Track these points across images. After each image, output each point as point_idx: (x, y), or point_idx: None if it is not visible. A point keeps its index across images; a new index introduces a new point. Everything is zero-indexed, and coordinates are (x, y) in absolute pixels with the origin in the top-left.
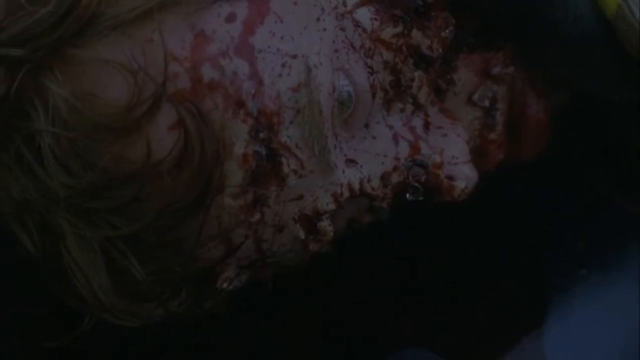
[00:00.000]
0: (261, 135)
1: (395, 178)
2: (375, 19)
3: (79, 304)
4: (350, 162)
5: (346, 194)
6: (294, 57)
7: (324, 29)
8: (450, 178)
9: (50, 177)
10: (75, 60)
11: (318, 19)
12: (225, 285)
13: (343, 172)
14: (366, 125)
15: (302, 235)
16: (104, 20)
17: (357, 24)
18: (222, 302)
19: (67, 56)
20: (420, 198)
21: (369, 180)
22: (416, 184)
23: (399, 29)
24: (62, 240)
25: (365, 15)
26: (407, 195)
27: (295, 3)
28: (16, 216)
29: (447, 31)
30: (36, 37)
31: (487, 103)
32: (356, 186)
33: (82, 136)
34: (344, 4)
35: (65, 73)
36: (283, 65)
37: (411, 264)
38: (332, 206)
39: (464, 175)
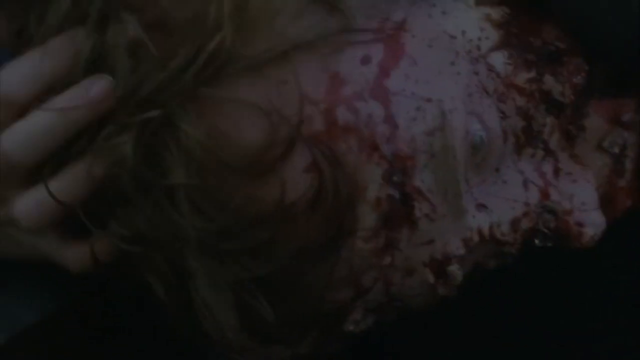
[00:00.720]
0: (395, 178)
1: (525, 224)
2: (509, 64)
3: (207, 343)
4: (481, 206)
5: (476, 238)
6: (429, 100)
7: (458, 73)
8: (580, 225)
9: (182, 218)
10: (209, 101)
11: (452, 63)
12: (352, 328)
13: (473, 216)
14: (497, 170)
15: (431, 279)
16: (238, 61)
17: (490, 68)
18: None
19: (200, 96)
20: (549, 244)
21: (498, 226)
22: (545, 230)
23: (532, 74)
24: (191, 280)
25: (499, 59)
26: (536, 242)
27: (430, 46)
28: (145, 255)
29: (579, 77)
30: (170, 88)
31: (616, 150)
32: (486, 231)
33: (215, 177)
34: (478, 48)
35: (198, 113)
36: (417, 109)
37: (536, 309)
38: (461, 251)
39: (593, 222)
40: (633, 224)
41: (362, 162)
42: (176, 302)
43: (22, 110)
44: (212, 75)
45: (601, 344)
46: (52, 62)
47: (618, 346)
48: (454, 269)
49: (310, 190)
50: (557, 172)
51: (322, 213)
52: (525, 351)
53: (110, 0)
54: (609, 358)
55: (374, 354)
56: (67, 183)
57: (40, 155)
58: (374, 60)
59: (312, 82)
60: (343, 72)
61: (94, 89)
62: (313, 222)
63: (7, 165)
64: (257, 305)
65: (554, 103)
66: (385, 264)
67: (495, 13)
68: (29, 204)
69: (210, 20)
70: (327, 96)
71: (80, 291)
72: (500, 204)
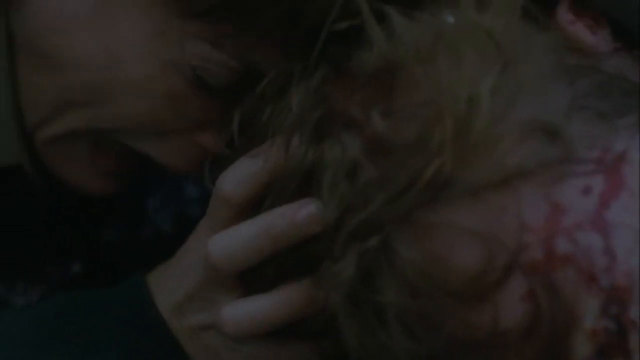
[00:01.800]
0: (611, 310)
1: None
2: None
3: None
4: None
5: None
6: None
7: None
8: None
9: (391, 339)
10: (425, 224)
11: None
12: None
13: None
14: None
15: None
16: (457, 186)
17: None
18: None
19: (416, 219)
20: None
21: None
22: None
23: None
24: None
25: None
26: None
27: None
28: None
29: None
30: (389, 211)
31: None
32: None
33: (428, 302)
34: None
35: (414, 236)
36: (636, 241)
37: None
38: None
39: None
40: None
41: (579, 293)
42: None
43: (240, 211)
44: (429, 198)
45: None
46: (269, 166)
47: None
48: None
49: (526, 319)
50: None
51: (536, 342)
52: None
53: (332, 114)
54: None
55: None
56: (282, 303)
57: (244, 266)
58: (595, 190)
59: (532, 210)
60: (564, 201)
61: (302, 212)
62: (526, 351)
63: (213, 268)
64: None
65: None
66: None
67: None
68: (238, 313)
69: (433, 144)
70: (547, 225)
71: None
72: None
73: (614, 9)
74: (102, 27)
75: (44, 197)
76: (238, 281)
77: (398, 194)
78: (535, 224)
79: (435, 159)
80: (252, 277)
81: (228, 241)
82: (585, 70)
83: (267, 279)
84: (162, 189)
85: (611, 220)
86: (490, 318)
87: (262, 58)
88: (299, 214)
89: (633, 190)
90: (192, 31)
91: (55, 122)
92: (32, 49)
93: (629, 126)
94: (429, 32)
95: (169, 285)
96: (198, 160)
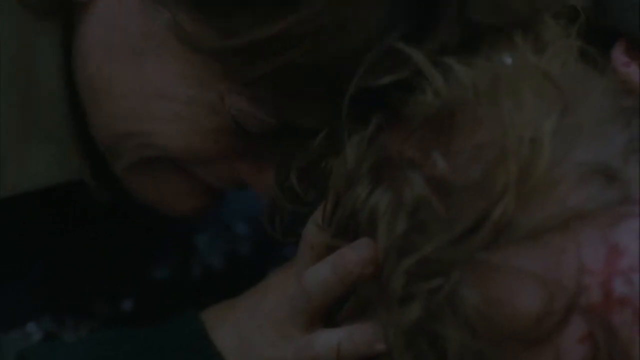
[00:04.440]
0: None
1: None
2: None
3: None
4: None
5: None
6: None
7: None
8: None
9: None
10: (486, 266)
11: None
12: None
13: None
14: None
15: None
16: (518, 229)
17: None
18: None
19: (478, 261)
20: None
21: None
22: None
23: None
24: None
25: None
26: None
27: None
28: None
29: None
30: (454, 252)
31: None
32: None
33: (489, 344)
34: None
35: (475, 278)
36: None
37: None
38: None
39: None
40: None
41: (636, 335)
42: None
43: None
44: (492, 241)
45: None
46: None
47: None
48: None
49: None
50: None
51: None
52: None
53: (389, 159)
54: None
55: None
56: (350, 343)
57: (320, 303)
58: None
59: (590, 252)
60: (621, 243)
61: (352, 253)
62: None
63: (307, 300)
64: None
65: None
66: None
67: None
68: (333, 343)
69: (498, 186)
70: (605, 267)
71: None
72: None
73: None
74: (148, 61)
75: (96, 229)
76: (319, 319)
77: (463, 235)
78: (594, 266)
79: (500, 202)
80: (330, 315)
81: (321, 274)
82: None
83: (343, 317)
84: (211, 226)
85: None
86: None
87: (302, 118)
88: (348, 255)
89: None
90: (233, 87)
91: (124, 150)
92: (83, 74)
93: None
94: (486, 74)
95: (232, 321)
96: (238, 183)
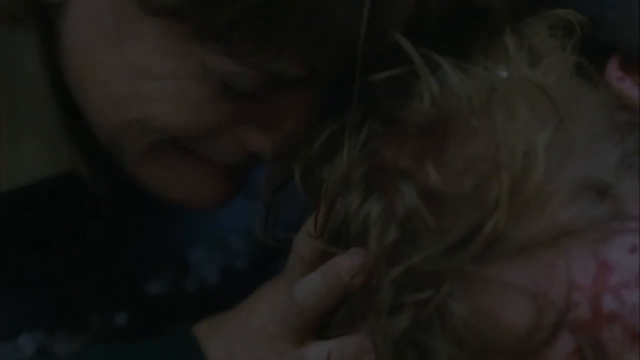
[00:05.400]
0: None
1: None
2: None
3: None
4: None
5: None
6: None
7: None
8: None
9: None
10: (476, 279)
11: None
12: None
13: None
14: None
15: None
16: (509, 242)
17: None
18: None
19: (468, 274)
20: None
21: None
22: None
23: None
24: None
25: None
26: None
27: None
28: None
29: None
30: (444, 264)
31: None
32: None
33: (477, 357)
34: None
35: (465, 290)
36: None
37: None
38: None
39: None
40: None
41: (625, 352)
42: None
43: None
44: (482, 253)
45: None
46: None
47: None
48: None
49: None
50: None
51: None
52: None
53: (382, 167)
54: None
55: None
56: (340, 355)
57: (311, 315)
58: None
59: (580, 268)
60: (611, 259)
61: (344, 261)
62: None
63: (299, 312)
64: None
65: None
66: None
67: None
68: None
69: (490, 199)
70: (595, 283)
71: None
72: None
73: None
74: (125, 44)
75: (92, 243)
76: (311, 332)
77: (453, 247)
78: (583, 282)
79: (492, 215)
80: (320, 328)
81: (312, 285)
82: (634, 127)
83: (334, 328)
84: (206, 240)
85: None
86: None
87: (285, 67)
88: (340, 262)
89: None
90: (210, 48)
91: (126, 141)
92: (70, 73)
93: None
94: (482, 85)
95: (224, 336)
96: (250, 155)
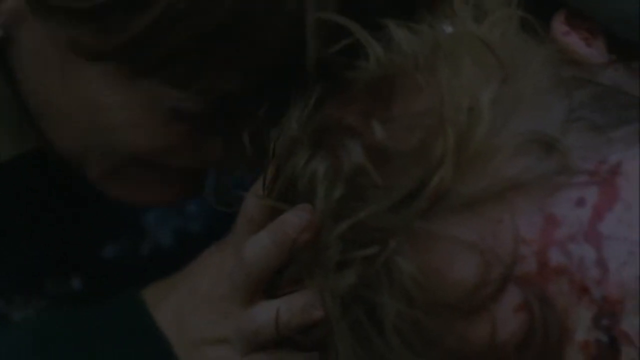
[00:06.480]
0: (603, 322)
1: None
2: None
3: None
4: None
5: None
6: None
7: None
8: None
9: (390, 352)
10: (423, 235)
11: None
12: None
13: None
14: None
15: None
16: (455, 197)
17: None
18: None
19: (415, 230)
20: None
21: None
22: None
23: None
24: None
25: None
26: None
27: None
28: None
29: None
30: (391, 220)
31: None
32: None
33: (426, 314)
34: None
35: (412, 246)
36: (629, 253)
37: None
38: None
39: None
40: None
41: (572, 305)
42: None
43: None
44: (428, 209)
45: None
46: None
47: None
48: None
49: (521, 330)
50: None
51: (530, 354)
52: None
53: (330, 125)
54: None
55: None
56: (288, 312)
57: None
58: (589, 203)
59: (526, 222)
60: (558, 213)
61: (292, 217)
62: None
63: (247, 272)
64: None
65: None
66: None
67: None
68: (262, 319)
69: (435, 155)
70: (541, 237)
71: None
72: None
73: (609, 21)
74: (72, 81)
75: (44, 205)
76: (259, 292)
77: (400, 203)
78: (529, 236)
79: (438, 169)
80: (268, 287)
81: (260, 244)
82: (581, 82)
83: (282, 287)
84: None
85: (604, 232)
86: (486, 330)
87: (229, 86)
88: (287, 219)
89: (627, 202)
90: (152, 81)
91: (91, 161)
92: (28, 95)
93: (624, 138)
94: (427, 42)
95: (172, 300)
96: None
